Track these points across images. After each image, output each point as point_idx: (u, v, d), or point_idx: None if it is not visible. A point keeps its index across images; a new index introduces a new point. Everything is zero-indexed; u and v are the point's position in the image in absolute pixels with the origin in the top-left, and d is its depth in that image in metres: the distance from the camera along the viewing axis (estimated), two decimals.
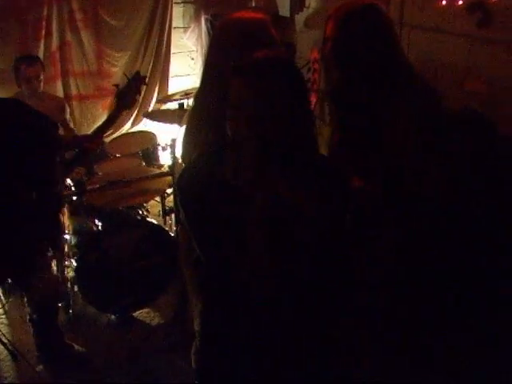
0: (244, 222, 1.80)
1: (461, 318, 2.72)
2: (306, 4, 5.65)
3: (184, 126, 2.78)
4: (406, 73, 2.44)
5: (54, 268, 4.37)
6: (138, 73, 3.49)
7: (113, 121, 3.39)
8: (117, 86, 3.58)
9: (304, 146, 1.84)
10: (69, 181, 4.15)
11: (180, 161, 2.90)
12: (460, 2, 3.87)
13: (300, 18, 5.73)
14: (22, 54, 4.91)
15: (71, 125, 5.39)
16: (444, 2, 3.95)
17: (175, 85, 6.40)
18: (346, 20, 2.47)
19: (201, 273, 2.09)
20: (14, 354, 3.69)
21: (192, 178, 1.93)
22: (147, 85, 3.42)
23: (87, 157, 3.42)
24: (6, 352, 3.76)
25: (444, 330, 2.68)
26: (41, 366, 3.65)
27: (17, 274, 3.26)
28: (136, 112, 6.32)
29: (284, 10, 5.91)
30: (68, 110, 5.32)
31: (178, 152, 3.86)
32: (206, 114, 2.18)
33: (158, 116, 4.80)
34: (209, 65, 2.45)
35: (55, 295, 3.59)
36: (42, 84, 4.81)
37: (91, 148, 3.39)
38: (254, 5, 6.39)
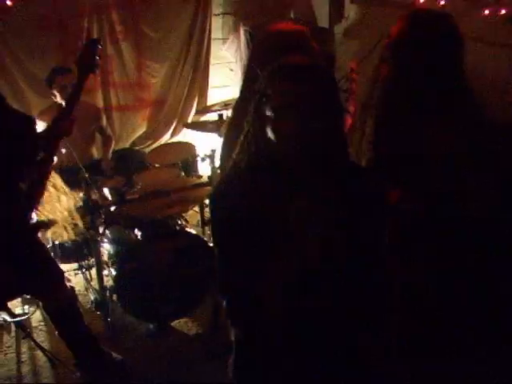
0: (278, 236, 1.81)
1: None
2: (345, 15, 5.63)
3: (223, 137, 2.81)
4: (462, 86, 2.42)
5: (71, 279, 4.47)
6: (91, 39, 3.49)
7: (79, 88, 3.35)
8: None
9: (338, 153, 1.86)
10: (108, 191, 4.19)
11: (218, 171, 2.92)
12: (503, 12, 3.83)
13: (338, 29, 5.71)
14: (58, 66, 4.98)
15: (108, 131, 5.44)
16: (486, 12, 3.92)
17: (214, 96, 6.42)
18: (420, 23, 2.45)
19: None
20: (53, 360, 3.72)
21: (226, 194, 1.95)
22: (102, 46, 3.41)
23: (66, 132, 3.36)
24: (44, 358, 3.80)
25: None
26: (78, 374, 3.67)
27: (31, 287, 3.26)
28: (175, 123, 6.37)
29: (322, 20, 5.90)
30: (104, 117, 5.37)
31: (217, 162, 3.90)
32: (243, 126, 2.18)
33: (198, 126, 4.81)
34: (249, 76, 2.46)
35: (70, 308, 3.59)
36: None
37: (67, 124, 3.33)
38: (292, 16, 6.40)
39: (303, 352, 1.95)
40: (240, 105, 2.55)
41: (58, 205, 3.41)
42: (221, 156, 2.74)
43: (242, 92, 2.63)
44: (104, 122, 5.33)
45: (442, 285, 2.46)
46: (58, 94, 4.72)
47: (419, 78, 2.41)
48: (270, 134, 1.79)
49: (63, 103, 4.69)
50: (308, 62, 1.88)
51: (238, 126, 2.31)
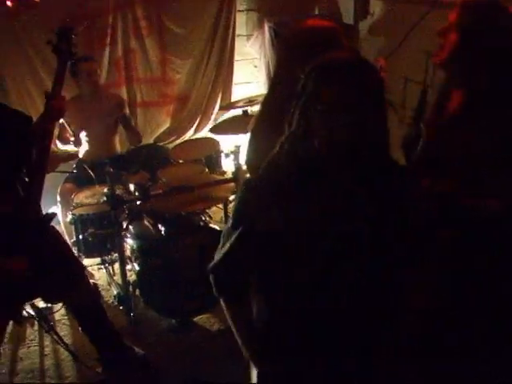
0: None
1: None
2: (370, 11, 5.59)
3: (249, 133, 2.79)
4: None
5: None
6: (61, 25, 3.48)
7: (61, 74, 3.36)
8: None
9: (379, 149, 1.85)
10: (132, 186, 4.20)
11: (244, 167, 2.91)
12: None
13: (364, 25, 5.68)
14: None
15: (133, 124, 5.45)
16: None
17: (238, 92, 6.43)
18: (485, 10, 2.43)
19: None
20: (75, 354, 3.74)
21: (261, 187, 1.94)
22: (75, 35, 3.41)
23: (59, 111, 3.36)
24: (67, 353, 3.82)
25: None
26: (100, 368, 3.68)
27: (51, 285, 3.26)
28: (199, 119, 6.37)
29: (348, 17, 5.87)
30: (127, 107, 5.37)
31: (242, 159, 3.89)
32: (275, 122, 2.16)
33: (224, 129, 4.80)
34: (279, 72, 2.45)
35: (93, 305, 3.60)
36: (99, 82, 4.99)
37: (59, 102, 3.32)
38: (317, 12, 6.38)
39: (316, 351, 1.95)
40: (271, 101, 2.53)
41: None
42: (248, 151, 2.73)
43: (273, 88, 2.61)
44: (127, 110, 5.32)
45: (455, 285, 2.43)
46: (85, 82, 4.78)
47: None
48: (320, 131, 1.77)
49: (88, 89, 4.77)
50: (355, 57, 1.87)
51: (269, 122, 2.29)
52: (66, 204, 4.51)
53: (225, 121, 5.06)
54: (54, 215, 3.24)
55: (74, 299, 3.46)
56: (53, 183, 4.31)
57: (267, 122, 2.37)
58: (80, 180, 4.67)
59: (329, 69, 1.79)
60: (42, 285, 3.10)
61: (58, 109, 3.30)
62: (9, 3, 5.10)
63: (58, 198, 4.69)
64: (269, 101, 2.59)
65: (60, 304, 4.28)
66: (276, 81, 2.59)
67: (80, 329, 3.66)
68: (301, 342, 1.95)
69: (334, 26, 2.57)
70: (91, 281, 4.15)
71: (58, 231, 3.53)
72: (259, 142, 2.44)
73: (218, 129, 4.96)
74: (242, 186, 2.01)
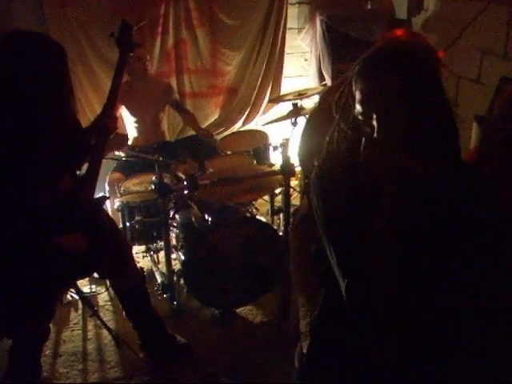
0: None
1: None
2: (424, 7, 5.51)
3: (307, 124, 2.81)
4: None
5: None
6: (123, 20, 3.50)
7: (121, 68, 3.39)
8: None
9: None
10: (181, 175, 4.22)
11: (299, 157, 2.90)
12: None
13: (417, 21, 5.60)
14: None
15: (185, 107, 5.50)
16: None
17: (287, 85, 6.39)
18: None
19: (320, 268, 2.06)
20: (118, 339, 3.77)
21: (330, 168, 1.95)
22: (135, 28, 3.45)
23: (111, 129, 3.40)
24: (109, 337, 3.86)
25: None
26: (142, 354, 3.71)
27: (101, 263, 3.28)
28: (248, 111, 6.37)
29: (401, 12, 5.79)
30: (176, 92, 5.41)
31: (290, 152, 3.87)
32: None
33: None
34: None
35: (138, 288, 3.61)
36: (147, 68, 5.01)
37: (110, 124, 3.35)
38: (369, 7, 6.32)
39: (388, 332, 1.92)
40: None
41: None
42: (304, 143, 2.74)
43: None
44: (177, 96, 5.36)
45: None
46: (133, 68, 4.87)
47: None
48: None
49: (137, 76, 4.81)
50: (410, 48, 1.86)
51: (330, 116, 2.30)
52: (114, 193, 4.55)
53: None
54: (106, 198, 3.31)
55: (122, 278, 3.49)
56: (101, 172, 4.36)
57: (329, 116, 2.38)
58: (128, 169, 4.71)
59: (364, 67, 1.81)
60: (96, 261, 3.14)
61: (111, 128, 3.33)
62: None
63: (107, 187, 4.73)
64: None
65: (104, 289, 4.34)
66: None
67: (124, 313, 3.69)
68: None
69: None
70: (138, 265, 4.19)
71: (108, 213, 3.58)
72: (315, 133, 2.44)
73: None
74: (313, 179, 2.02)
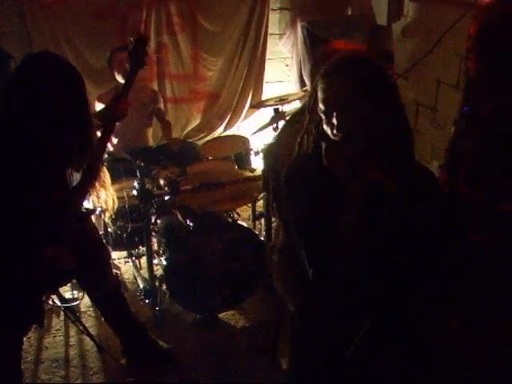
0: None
1: None
2: (404, 12, 5.56)
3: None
4: None
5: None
6: (139, 34, 3.54)
7: (131, 79, 3.43)
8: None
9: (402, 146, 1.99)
10: (162, 181, 4.22)
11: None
12: None
13: (397, 27, 5.64)
14: None
15: (166, 117, 5.49)
16: None
17: (269, 91, 6.43)
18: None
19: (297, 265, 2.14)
20: (100, 345, 3.76)
21: (299, 169, 2.12)
22: (150, 45, 3.50)
23: (122, 114, 3.42)
24: (92, 343, 3.84)
25: None
26: (124, 360, 3.71)
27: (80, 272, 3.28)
28: (229, 116, 6.39)
29: (381, 18, 5.83)
30: (161, 100, 5.41)
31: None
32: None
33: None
34: None
35: (114, 294, 3.61)
36: None
37: (123, 106, 3.39)
38: (350, 13, 6.36)
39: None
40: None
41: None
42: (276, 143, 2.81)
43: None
44: (161, 105, 5.37)
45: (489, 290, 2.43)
46: (117, 71, 4.83)
47: None
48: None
49: (121, 80, 4.80)
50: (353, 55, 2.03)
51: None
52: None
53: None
54: (93, 211, 3.33)
55: (99, 288, 3.48)
56: None
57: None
58: (113, 173, 4.69)
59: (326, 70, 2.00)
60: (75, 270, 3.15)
61: (123, 111, 3.38)
62: None
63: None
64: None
65: (86, 295, 4.33)
66: None
67: (103, 319, 3.68)
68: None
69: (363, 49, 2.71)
70: (114, 271, 4.19)
71: (92, 223, 3.58)
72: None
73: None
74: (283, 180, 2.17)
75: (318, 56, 2.83)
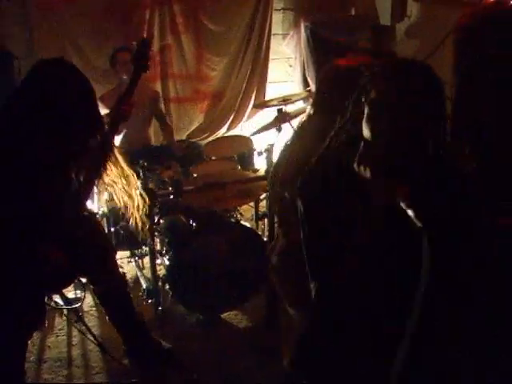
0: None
1: None
2: (408, 13, 5.56)
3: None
4: None
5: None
6: (143, 39, 3.55)
7: (135, 83, 3.43)
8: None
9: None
10: (165, 180, 4.22)
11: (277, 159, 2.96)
12: None
13: (401, 27, 5.64)
14: None
15: (167, 120, 5.48)
16: None
17: (272, 91, 6.43)
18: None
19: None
20: (102, 345, 3.76)
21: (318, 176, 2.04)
22: (152, 50, 3.55)
23: (125, 116, 3.43)
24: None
25: None
26: (127, 360, 3.70)
27: (84, 268, 3.30)
28: (232, 116, 6.39)
29: (385, 18, 5.83)
30: (162, 102, 5.41)
31: (275, 157, 3.88)
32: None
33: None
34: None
35: (120, 292, 3.61)
36: None
37: (127, 108, 3.40)
38: (353, 13, 6.36)
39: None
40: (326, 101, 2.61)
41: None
42: (290, 150, 2.80)
43: (330, 91, 2.67)
44: (162, 106, 5.38)
45: None
46: (120, 71, 4.82)
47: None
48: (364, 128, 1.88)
49: (126, 78, 4.80)
50: (404, 61, 1.98)
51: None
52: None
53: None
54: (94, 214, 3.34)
55: (105, 286, 3.49)
56: None
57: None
58: None
59: (379, 71, 1.93)
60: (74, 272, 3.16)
61: (127, 113, 3.40)
62: None
63: (95, 190, 4.70)
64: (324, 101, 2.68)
65: (89, 294, 4.32)
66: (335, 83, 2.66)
67: (107, 318, 3.68)
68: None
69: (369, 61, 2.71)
70: (122, 270, 4.19)
71: (98, 221, 3.59)
72: (310, 139, 2.50)
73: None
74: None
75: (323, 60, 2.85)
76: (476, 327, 2.10)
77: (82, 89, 2.85)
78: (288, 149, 2.85)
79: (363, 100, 1.90)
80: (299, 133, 2.83)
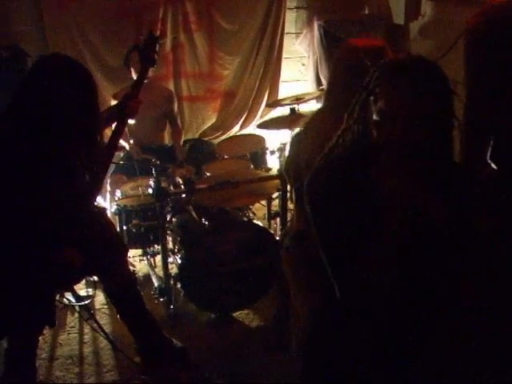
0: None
1: None
2: (422, 12, 5.53)
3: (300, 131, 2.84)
4: None
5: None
6: (150, 32, 3.54)
7: (142, 78, 3.43)
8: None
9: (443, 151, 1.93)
10: (179, 179, 4.22)
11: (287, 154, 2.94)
12: None
13: (415, 26, 5.61)
14: None
15: (178, 122, 5.48)
16: None
17: (285, 90, 6.41)
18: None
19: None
20: (114, 343, 3.76)
21: (329, 178, 2.01)
22: (160, 44, 3.53)
23: (133, 112, 3.43)
24: (106, 341, 3.83)
25: None
26: (138, 358, 3.68)
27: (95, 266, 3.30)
28: (245, 115, 6.38)
29: (398, 17, 5.82)
30: (176, 103, 5.40)
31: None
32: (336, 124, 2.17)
33: (270, 125, 4.75)
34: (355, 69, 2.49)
35: (130, 290, 3.59)
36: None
37: (134, 104, 3.39)
38: (367, 12, 6.33)
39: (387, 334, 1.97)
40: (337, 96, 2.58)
41: None
42: (298, 147, 2.77)
43: (342, 83, 2.63)
44: (175, 108, 5.37)
45: None
46: (133, 69, 4.80)
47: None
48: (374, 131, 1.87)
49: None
50: (417, 59, 1.91)
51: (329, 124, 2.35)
52: (115, 194, 4.54)
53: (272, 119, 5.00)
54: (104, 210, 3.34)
55: (114, 283, 3.49)
56: None
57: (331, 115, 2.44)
58: (130, 171, 4.69)
59: (390, 68, 1.88)
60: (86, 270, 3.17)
61: (134, 109, 3.39)
62: None
63: (108, 188, 4.71)
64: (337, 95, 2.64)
65: (100, 292, 4.33)
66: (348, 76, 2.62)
67: (118, 316, 3.68)
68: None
69: (383, 45, 2.66)
70: (134, 268, 4.19)
71: (108, 219, 3.59)
72: (318, 134, 2.48)
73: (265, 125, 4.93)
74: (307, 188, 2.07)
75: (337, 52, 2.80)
76: (476, 327, 2.12)
77: (79, 79, 2.83)
78: (297, 145, 2.83)
79: (371, 100, 1.89)
80: (307, 129, 2.81)
